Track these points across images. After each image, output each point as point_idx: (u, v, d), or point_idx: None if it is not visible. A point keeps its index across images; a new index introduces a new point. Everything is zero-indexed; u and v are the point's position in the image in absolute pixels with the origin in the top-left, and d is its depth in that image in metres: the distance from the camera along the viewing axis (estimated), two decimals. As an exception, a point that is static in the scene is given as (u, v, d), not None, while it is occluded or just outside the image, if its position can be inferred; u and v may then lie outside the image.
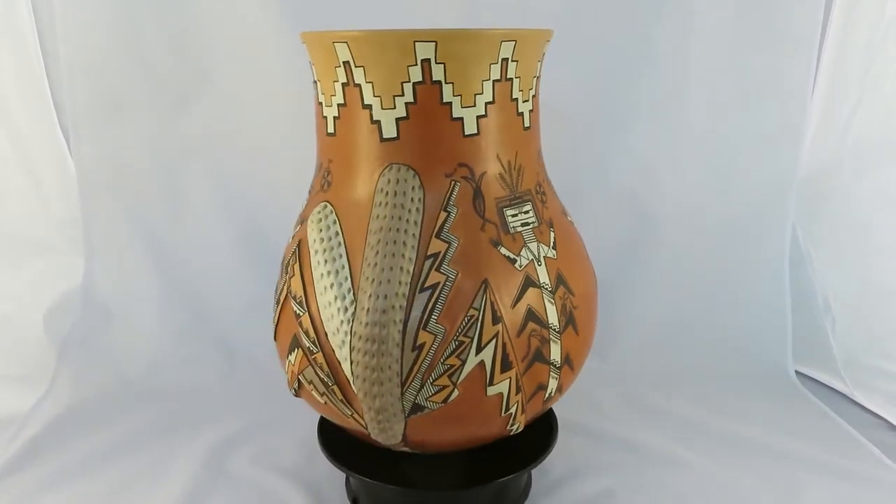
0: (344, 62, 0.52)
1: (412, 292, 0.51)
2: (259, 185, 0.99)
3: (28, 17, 0.97)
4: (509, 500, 0.67)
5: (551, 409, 0.70)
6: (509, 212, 0.56)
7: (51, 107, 1.01)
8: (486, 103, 0.53)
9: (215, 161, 0.98)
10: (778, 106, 0.95)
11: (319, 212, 0.56)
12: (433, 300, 0.52)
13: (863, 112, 0.96)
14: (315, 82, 0.57)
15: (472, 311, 0.52)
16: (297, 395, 0.60)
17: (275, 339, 0.61)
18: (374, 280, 0.50)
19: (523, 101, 0.56)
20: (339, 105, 0.54)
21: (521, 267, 0.55)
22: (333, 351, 0.53)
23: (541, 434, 0.67)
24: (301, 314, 0.54)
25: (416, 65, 0.51)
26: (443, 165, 0.53)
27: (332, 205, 0.55)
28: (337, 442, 0.65)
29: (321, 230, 0.54)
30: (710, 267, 0.99)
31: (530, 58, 0.55)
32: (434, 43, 0.50)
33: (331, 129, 0.56)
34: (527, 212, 0.57)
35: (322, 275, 0.53)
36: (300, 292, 0.55)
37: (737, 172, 0.97)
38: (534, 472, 0.71)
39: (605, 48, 0.93)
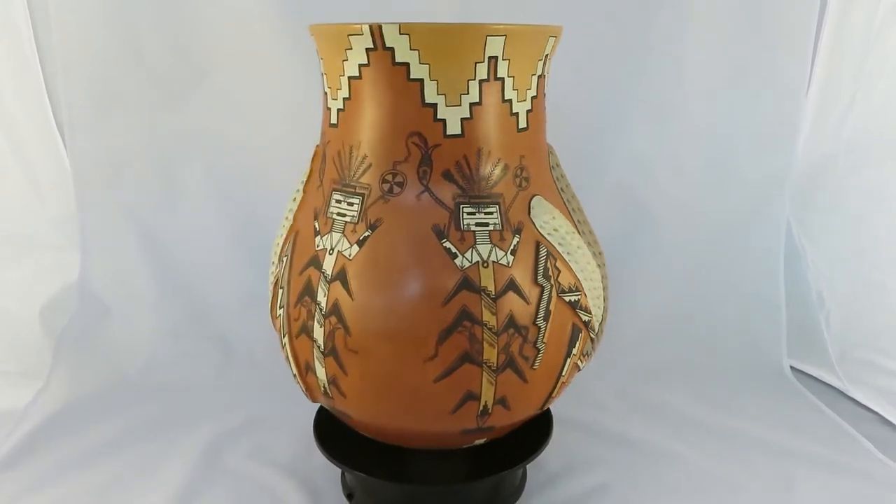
0: (544, 56, 0.56)
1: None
2: (255, 180, 0.99)
3: (23, 11, 0.96)
4: (505, 495, 0.68)
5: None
6: None
7: (46, 102, 1.00)
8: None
9: (211, 156, 0.98)
10: (774, 102, 0.95)
11: (550, 210, 0.57)
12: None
13: (858, 108, 0.97)
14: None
15: None
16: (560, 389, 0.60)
17: (542, 358, 0.56)
18: (590, 232, 0.65)
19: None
20: (532, 98, 0.56)
21: None
22: (590, 303, 0.59)
23: (536, 429, 0.67)
24: (579, 297, 0.58)
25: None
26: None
27: (542, 197, 0.57)
28: (333, 437, 0.65)
29: (562, 218, 0.58)
30: (706, 262, 1.00)
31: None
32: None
33: (524, 125, 0.56)
34: None
35: (582, 253, 0.59)
36: (573, 281, 0.57)
37: (733, 168, 0.98)
38: (529, 466, 0.71)
39: (603, 46, 0.93)
